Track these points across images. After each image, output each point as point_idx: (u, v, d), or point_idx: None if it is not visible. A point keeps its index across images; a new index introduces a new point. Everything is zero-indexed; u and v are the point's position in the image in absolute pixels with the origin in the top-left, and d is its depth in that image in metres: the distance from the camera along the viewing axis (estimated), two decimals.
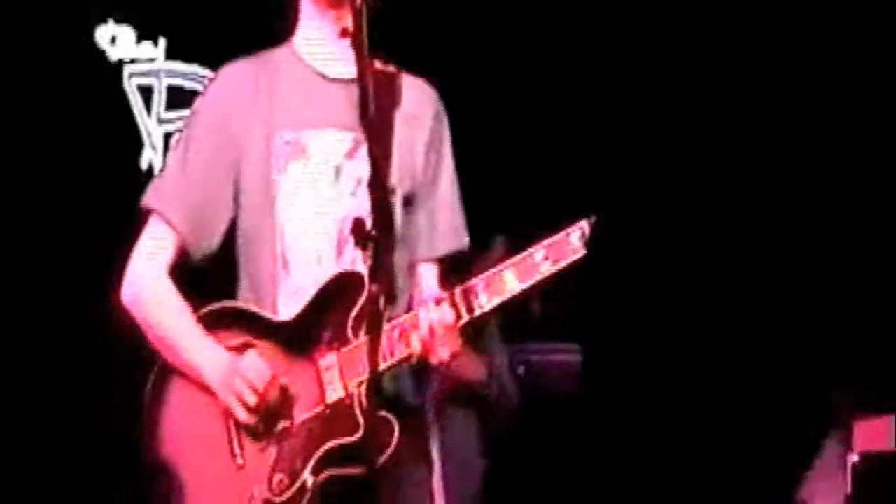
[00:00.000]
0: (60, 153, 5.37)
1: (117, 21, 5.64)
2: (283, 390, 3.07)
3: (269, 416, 3.07)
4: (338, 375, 3.05)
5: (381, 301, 2.82)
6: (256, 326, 3.14)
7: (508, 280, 3.03)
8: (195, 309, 3.19)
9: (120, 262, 3.27)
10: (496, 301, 3.03)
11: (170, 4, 5.65)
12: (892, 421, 4.98)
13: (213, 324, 3.16)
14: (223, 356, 3.12)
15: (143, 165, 5.69)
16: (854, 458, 4.97)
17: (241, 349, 3.12)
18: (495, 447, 5.42)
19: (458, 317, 3.02)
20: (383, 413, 2.98)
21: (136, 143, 5.67)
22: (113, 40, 5.64)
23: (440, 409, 5.03)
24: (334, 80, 3.20)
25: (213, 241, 3.22)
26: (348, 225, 3.05)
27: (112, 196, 4.99)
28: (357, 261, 3.06)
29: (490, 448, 5.42)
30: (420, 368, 3.13)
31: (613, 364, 5.57)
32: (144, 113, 5.70)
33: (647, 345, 5.72)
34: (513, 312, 4.67)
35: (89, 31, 5.58)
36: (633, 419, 5.78)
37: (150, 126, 5.71)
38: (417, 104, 3.25)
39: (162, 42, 5.72)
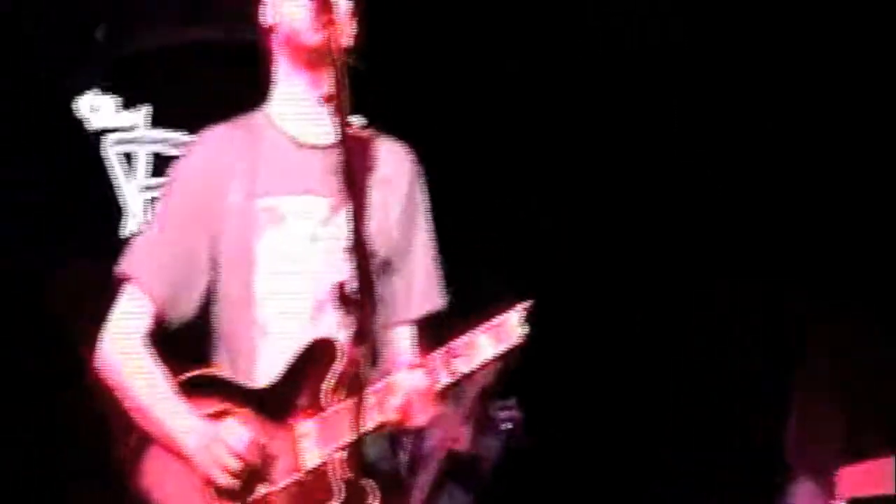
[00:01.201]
0: (40, 222, 5.37)
1: (98, 90, 5.66)
2: (263, 455, 3.05)
3: (248, 482, 3.05)
4: (314, 442, 3.03)
5: (365, 364, 2.82)
6: (233, 394, 3.13)
7: (483, 345, 3.02)
8: (172, 374, 3.18)
9: (98, 329, 3.26)
10: (473, 365, 3.03)
11: (151, 73, 5.67)
12: (878, 466, 4.99)
13: (191, 391, 3.15)
14: (200, 423, 3.10)
15: (126, 234, 5.68)
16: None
17: (218, 416, 3.11)
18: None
19: (435, 382, 3.01)
20: (362, 478, 2.97)
21: (117, 212, 5.66)
22: (94, 108, 5.66)
23: (440, 484, 5.01)
24: (310, 146, 3.21)
25: (190, 307, 3.22)
26: (325, 290, 3.07)
27: (93, 266, 4.98)
28: (333, 326, 3.06)
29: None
30: (395, 434, 3.12)
31: (551, 416, 5.54)
32: (126, 181, 5.70)
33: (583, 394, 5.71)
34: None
35: (70, 101, 5.60)
36: (576, 470, 5.75)
37: (132, 194, 5.71)
38: (393, 168, 3.26)
39: (143, 110, 5.73)
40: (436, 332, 3.20)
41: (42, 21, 5.46)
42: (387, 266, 3.20)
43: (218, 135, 3.29)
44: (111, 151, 5.70)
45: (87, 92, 5.67)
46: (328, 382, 3.05)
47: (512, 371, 3.15)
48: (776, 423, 5.46)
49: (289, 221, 3.18)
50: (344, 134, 2.97)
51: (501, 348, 3.03)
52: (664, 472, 5.68)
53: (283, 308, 3.15)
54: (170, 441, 3.12)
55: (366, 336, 2.85)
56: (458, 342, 3.03)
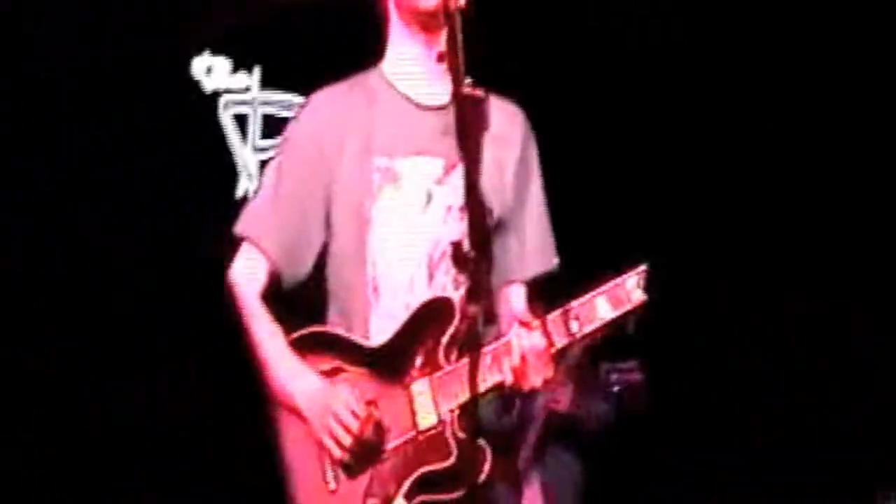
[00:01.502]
0: (156, 184, 5.44)
1: (213, 52, 5.70)
2: (377, 423, 3.07)
3: (361, 444, 3.07)
4: (430, 401, 3.04)
5: (480, 323, 2.82)
6: (348, 351, 3.14)
7: (601, 307, 3.01)
8: (287, 332, 3.20)
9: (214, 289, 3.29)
10: (588, 328, 3.01)
11: (264, 35, 5.70)
12: None
13: (305, 348, 3.17)
14: (316, 384, 3.12)
15: (240, 194, 5.74)
16: None
17: (332, 374, 3.13)
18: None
19: (551, 343, 3.00)
20: (475, 438, 2.97)
21: (231, 173, 5.72)
22: (208, 70, 5.71)
23: (544, 444, 5.00)
24: (424, 107, 3.21)
25: (305, 266, 3.24)
26: (439, 250, 3.08)
27: (208, 226, 5.04)
28: (448, 286, 3.06)
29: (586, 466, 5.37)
30: (508, 394, 3.11)
31: (676, 379, 5.51)
32: (240, 142, 5.75)
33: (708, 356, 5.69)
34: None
35: (185, 62, 5.65)
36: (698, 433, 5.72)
37: (246, 155, 5.75)
38: (506, 127, 3.25)
39: (256, 71, 5.77)
40: (548, 293, 3.19)
41: None
42: (500, 225, 3.20)
43: (332, 95, 3.29)
44: (225, 113, 5.75)
45: (201, 54, 5.71)
46: (443, 341, 3.05)
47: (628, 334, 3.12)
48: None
49: (403, 181, 3.18)
50: (458, 94, 2.97)
51: (618, 312, 3.01)
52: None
53: (397, 267, 3.16)
54: (286, 399, 3.15)
55: (481, 295, 2.85)
56: (576, 304, 3.02)
